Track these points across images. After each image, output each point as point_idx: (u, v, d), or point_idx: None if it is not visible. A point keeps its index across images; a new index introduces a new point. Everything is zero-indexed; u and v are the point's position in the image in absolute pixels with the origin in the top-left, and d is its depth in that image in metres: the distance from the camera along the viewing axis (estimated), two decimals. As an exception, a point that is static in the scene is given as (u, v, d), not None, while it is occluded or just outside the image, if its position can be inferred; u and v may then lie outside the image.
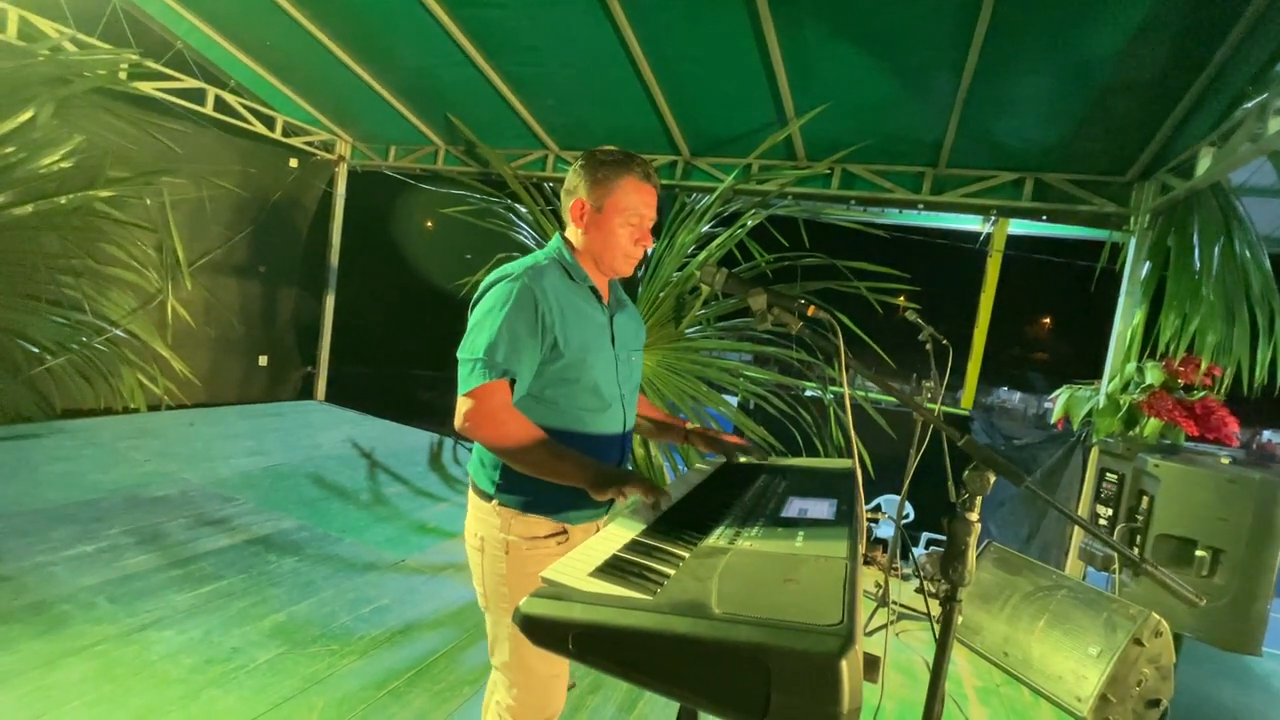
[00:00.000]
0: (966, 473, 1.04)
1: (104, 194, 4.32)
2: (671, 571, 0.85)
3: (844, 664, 0.61)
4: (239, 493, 3.69)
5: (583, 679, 2.28)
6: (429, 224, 6.80)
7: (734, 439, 1.55)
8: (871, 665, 0.78)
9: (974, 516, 1.06)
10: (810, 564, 0.84)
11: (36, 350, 4.23)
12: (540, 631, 0.76)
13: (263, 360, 6.07)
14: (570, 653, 0.74)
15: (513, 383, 1.28)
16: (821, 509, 1.12)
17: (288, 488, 3.92)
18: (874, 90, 3.58)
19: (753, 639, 0.65)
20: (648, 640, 0.70)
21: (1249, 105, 2.63)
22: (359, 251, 6.55)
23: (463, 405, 1.26)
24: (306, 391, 6.50)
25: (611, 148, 1.39)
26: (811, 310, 1.26)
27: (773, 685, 0.63)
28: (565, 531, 1.38)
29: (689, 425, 1.64)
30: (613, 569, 0.87)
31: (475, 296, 1.36)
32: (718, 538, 0.98)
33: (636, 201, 1.37)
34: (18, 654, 2.03)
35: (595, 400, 1.38)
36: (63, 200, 4.14)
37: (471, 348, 1.27)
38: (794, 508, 1.14)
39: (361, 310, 6.66)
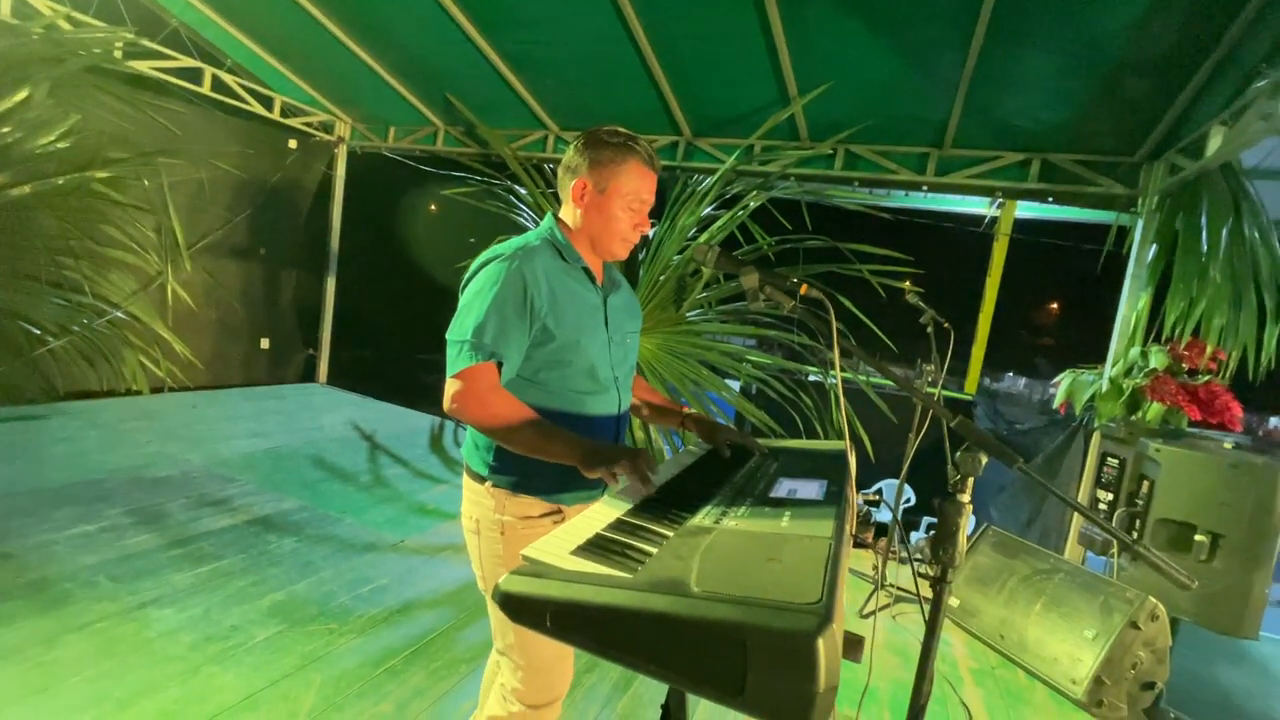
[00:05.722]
0: (958, 454, 1.03)
1: (102, 175, 4.29)
2: (654, 550, 0.84)
3: (820, 642, 0.60)
4: (240, 474, 3.71)
5: (579, 658, 2.29)
6: (430, 206, 6.75)
7: (731, 431, 1.53)
8: (853, 644, 0.77)
9: (965, 498, 1.05)
10: (794, 543, 0.83)
11: (38, 332, 4.23)
12: (519, 609, 0.76)
13: (264, 343, 6.08)
14: (548, 630, 0.74)
15: (500, 365, 1.27)
16: (811, 489, 1.11)
17: (288, 469, 3.95)
18: (878, 69, 3.52)
19: (729, 617, 0.64)
20: (625, 618, 0.70)
21: (1261, 84, 2.55)
22: (359, 233, 6.52)
23: (450, 387, 1.25)
24: (308, 374, 6.52)
25: (613, 128, 1.36)
26: (805, 289, 1.24)
27: (749, 663, 0.63)
28: (560, 511, 1.38)
29: (687, 410, 1.62)
30: (595, 547, 0.86)
31: (466, 277, 1.35)
32: (703, 517, 0.97)
33: (639, 186, 1.35)
34: (20, 630, 2.05)
35: (589, 382, 1.37)
36: (60, 181, 4.11)
37: (460, 329, 1.27)
38: (783, 488, 1.13)
39: (362, 293, 6.64)
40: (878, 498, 3.63)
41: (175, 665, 2.00)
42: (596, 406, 1.40)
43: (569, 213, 1.41)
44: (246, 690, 1.93)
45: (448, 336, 1.28)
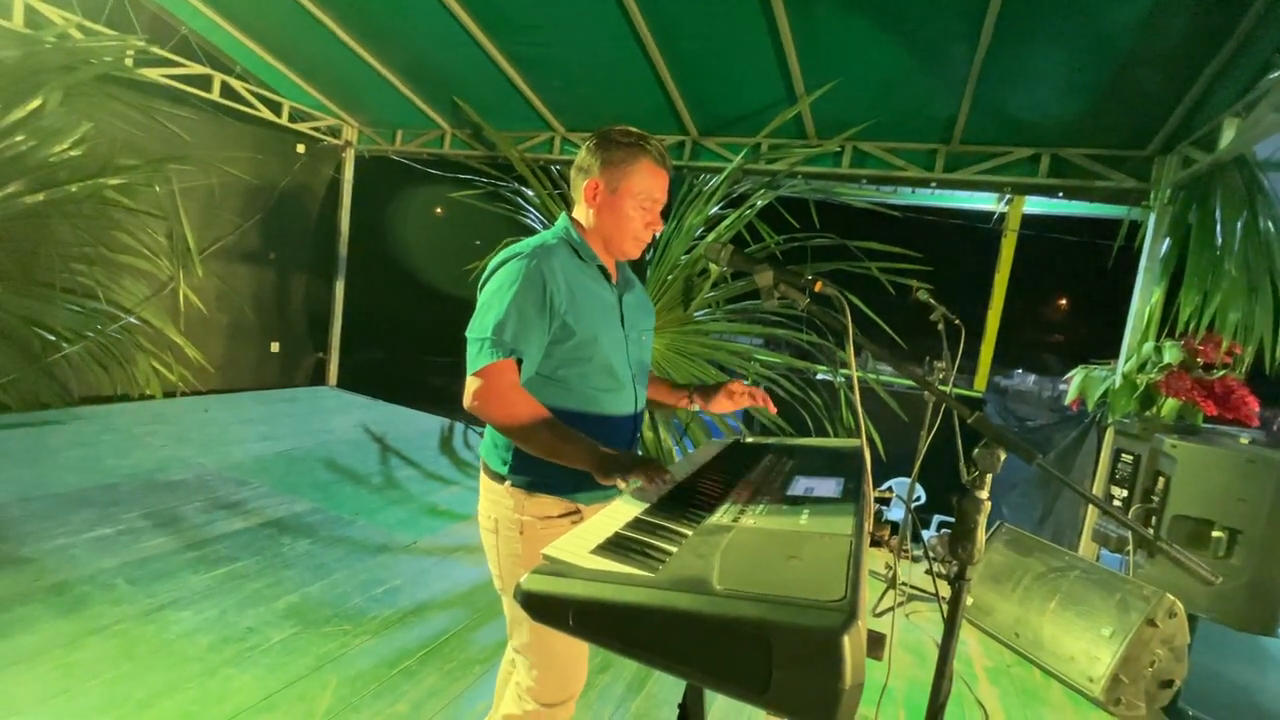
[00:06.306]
0: (976, 450, 1.03)
1: (114, 182, 4.34)
2: (674, 549, 0.84)
3: (846, 639, 0.60)
4: (253, 477, 3.74)
5: (592, 657, 2.28)
6: (438, 209, 6.79)
7: (739, 385, 1.53)
8: (876, 642, 0.77)
9: (984, 494, 1.04)
10: (814, 541, 0.83)
11: (53, 338, 4.29)
12: (541, 608, 0.76)
13: (275, 346, 6.12)
14: (571, 629, 0.74)
15: (520, 362, 1.27)
16: (828, 487, 1.11)
17: (301, 472, 3.97)
18: (885, 65, 3.50)
19: (754, 615, 0.64)
20: (648, 616, 0.70)
21: (1276, 75, 2.53)
22: (368, 237, 6.56)
23: (471, 384, 1.26)
24: (318, 377, 6.57)
25: (625, 127, 1.37)
26: (819, 286, 1.23)
27: (774, 661, 0.63)
28: (579, 511, 1.38)
29: (690, 392, 1.62)
30: (615, 546, 0.86)
31: (484, 276, 1.35)
32: (722, 515, 0.97)
33: (650, 185, 1.36)
34: (40, 633, 2.08)
35: (609, 380, 1.38)
36: (73, 188, 4.16)
37: (480, 327, 1.27)
38: (800, 486, 1.13)
39: (371, 296, 6.69)
40: (889, 495, 3.61)
41: (194, 666, 2.02)
42: (614, 405, 1.40)
43: (582, 213, 1.41)
44: (264, 691, 1.95)
45: (467, 334, 1.29)
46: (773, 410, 1.56)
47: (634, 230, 1.38)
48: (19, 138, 3.87)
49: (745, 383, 1.59)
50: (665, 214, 1.45)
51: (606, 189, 1.35)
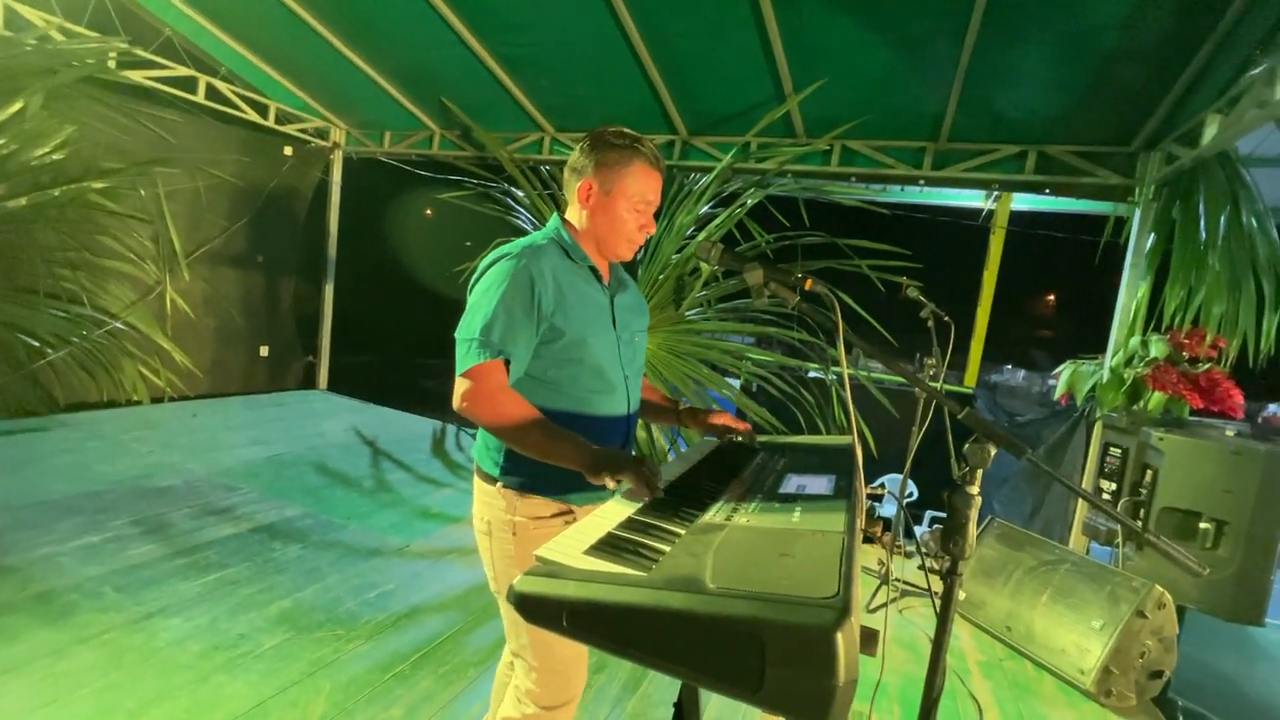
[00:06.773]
0: (967, 446, 1.03)
1: (98, 185, 4.28)
2: (666, 548, 0.84)
3: (839, 636, 0.60)
4: (243, 482, 3.70)
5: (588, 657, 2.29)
6: (427, 211, 6.76)
7: (727, 419, 1.53)
8: (869, 639, 0.77)
9: (974, 490, 1.05)
10: (807, 538, 0.83)
11: (37, 344, 4.23)
12: (534, 609, 0.76)
13: (264, 350, 6.07)
14: (564, 630, 0.74)
15: (508, 363, 1.27)
16: (820, 485, 1.11)
17: (291, 476, 3.94)
18: (873, 63, 3.52)
19: (747, 613, 0.64)
20: (642, 616, 0.70)
21: (1256, 71, 2.56)
22: (357, 239, 6.53)
23: (460, 385, 1.25)
24: (308, 381, 6.52)
25: (619, 128, 1.37)
26: (809, 284, 1.24)
27: (768, 659, 0.63)
28: (571, 511, 1.38)
29: (682, 406, 1.62)
30: (607, 546, 0.86)
31: (474, 277, 1.35)
32: (714, 514, 0.97)
33: (644, 187, 1.36)
34: (27, 643, 2.05)
35: (599, 382, 1.37)
36: (56, 192, 4.11)
37: (468, 328, 1.27)
38: (792, 484, 1.13)
39: (361, 298, 6.65)
40: (882, 492, 3.63)
41: (184, 674, 2.00)
42: (607, 406, 1.40)
43: (575, 214, 1.41)
44: (256, 698, 1.93)
45: (456, 335, 1.29)
46: (745, 429, 1.54)
47: (627, 232, 1.38)
48: (0, 142, 3.82)
49: (732, 413, 1.58)
50: (656, 214, 1.45)
51: (600, 190, 1.35)
